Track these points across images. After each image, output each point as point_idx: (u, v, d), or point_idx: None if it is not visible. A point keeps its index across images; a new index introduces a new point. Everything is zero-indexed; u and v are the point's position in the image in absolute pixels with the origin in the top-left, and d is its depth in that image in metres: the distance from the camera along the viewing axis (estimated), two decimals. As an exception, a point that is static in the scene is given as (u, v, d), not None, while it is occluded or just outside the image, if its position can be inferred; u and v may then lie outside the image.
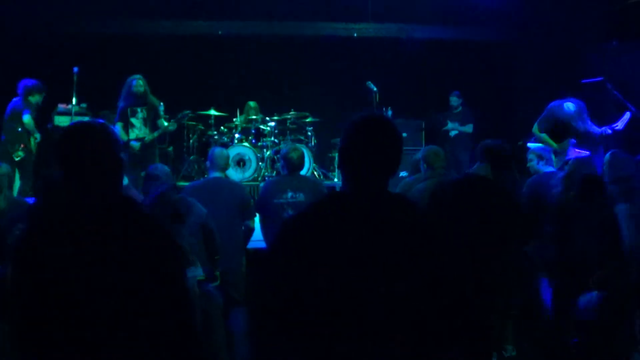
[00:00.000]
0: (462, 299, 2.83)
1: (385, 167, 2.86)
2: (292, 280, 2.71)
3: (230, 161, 11.31)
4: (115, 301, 2.67)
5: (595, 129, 9.34)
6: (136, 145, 10.31)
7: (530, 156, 8.34)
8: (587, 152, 9.18)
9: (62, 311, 2.64)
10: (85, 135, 2.94)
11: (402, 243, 2.72)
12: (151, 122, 10.60)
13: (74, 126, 3.05)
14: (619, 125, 9.15)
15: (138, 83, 10.42)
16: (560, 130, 9.50)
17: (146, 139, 10.43)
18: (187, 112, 11.50)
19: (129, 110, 10.43)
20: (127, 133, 10.34)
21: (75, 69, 10.59)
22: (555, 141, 9.42)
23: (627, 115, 9.19)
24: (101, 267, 2.68)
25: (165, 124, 10.73)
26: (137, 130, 10.43)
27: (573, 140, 9.28)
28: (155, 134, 10.55)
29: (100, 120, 3.16)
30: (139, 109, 10.48)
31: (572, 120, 9.47)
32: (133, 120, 10.44)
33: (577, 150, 9.18)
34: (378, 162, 2.84)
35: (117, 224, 2.81)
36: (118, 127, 10.24)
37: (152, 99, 10.68)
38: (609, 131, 9.19)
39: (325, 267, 2.67)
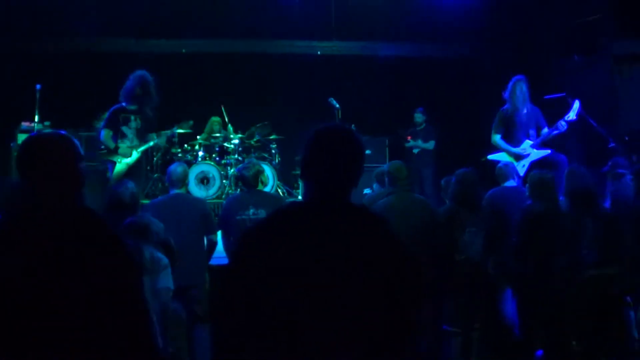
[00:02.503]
0: (417, 309, 2.85)
1: (346, 177, 2.87)
2: (253, 291, 2.69)
3: (194, 179, 11.33)
4: (65, 312, 2.61)
5: (549, 130, 9.31)
6: (127, 151, 9.53)
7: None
8: (549, 151, 9.20)
9: (8, 322, 2.59)
10: (43, 145, 2.96)
11: (361, 253, 2.72)
12: (144, 132, 9.83)
13: (33, 136, 3.06)
14: (571, 115, 9.12)
15: (147, 84, 9.71)
16: (512, 126, 9.51)
17: (138, 149, 9.66)
18: (175, 130, 11.01)
19: (120, 117, 9.67)
20: (115, 141, 9.54)
21: (38, 86, 10.31)
22: (513, 144, 9.42)
23: (577, 104, 9.17)
24: (50, 278, 2.63)
25: (155, 138, 10.06)
26: (129, 142, 9.68)
27: (532, 142, 9.29)
28: (145, 146, 9.83)
29: (62, 132, 3.15)
30: (132, 117, 9.75)
31: (518, 102, 9.44)
32: (125, 129, 9.66)
33: (537, 150, 9.21)
34: (339, 171, 2.85)
35: (70, 235, 2.76)
36: (104, 133, 9.50)
37: (148, 110, 9.85)
38: (564, 124, 9.13)
39: (285, 277, 2.66)
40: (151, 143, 10.02)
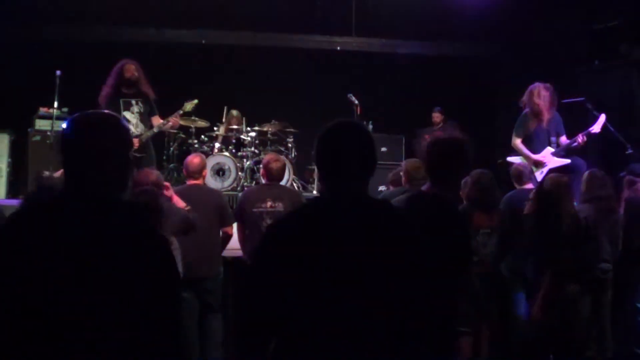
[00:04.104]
0: (439, 301, 2.86)
1: (361, 169, 2.90)
2: (276, 288, 2.72)
3: (209, 170, 11.29)
4: (95, 306, 2.46)
5: (569, 140, 9.22)
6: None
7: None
8: (569, 160, 9.09)
9: (35, 315, 2.44)
10: (99, 126, 2.71)
11: (383, 246, 2.76)
12: (147, 117, 9.52)
13: (88, 115, 2.77)
14: (595, 128, 9.02)
15: (131, 67, 9.39)
16: (533, 131, 9.41)
17: (142, 137, 9.28)
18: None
19: (121, 102, 9.36)
20: None
21: (58, 73, 10.30)
22: (532, 149, 9.33)
23: (602, 117, 9.07)
24: (84, 271, 2.47)
25: (160, 120, 9.54)
26: (133, 127, 9.30)
27: (553, 150, 9.21)
28: (156, 130, 9.41)
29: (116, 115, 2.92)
30: (133, 101, 9.41)
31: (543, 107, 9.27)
32: (127, 114, 9.33)
33: (556, 159, 9.14)
34: (353, 164, 2.88)
35: (111, 228, 2.58)
36: None
37: (146, 89, 9.53)
38: (584, 138, 9.02)
39: (309, 274, 2.70)
40: (156, 130, 9.51)
